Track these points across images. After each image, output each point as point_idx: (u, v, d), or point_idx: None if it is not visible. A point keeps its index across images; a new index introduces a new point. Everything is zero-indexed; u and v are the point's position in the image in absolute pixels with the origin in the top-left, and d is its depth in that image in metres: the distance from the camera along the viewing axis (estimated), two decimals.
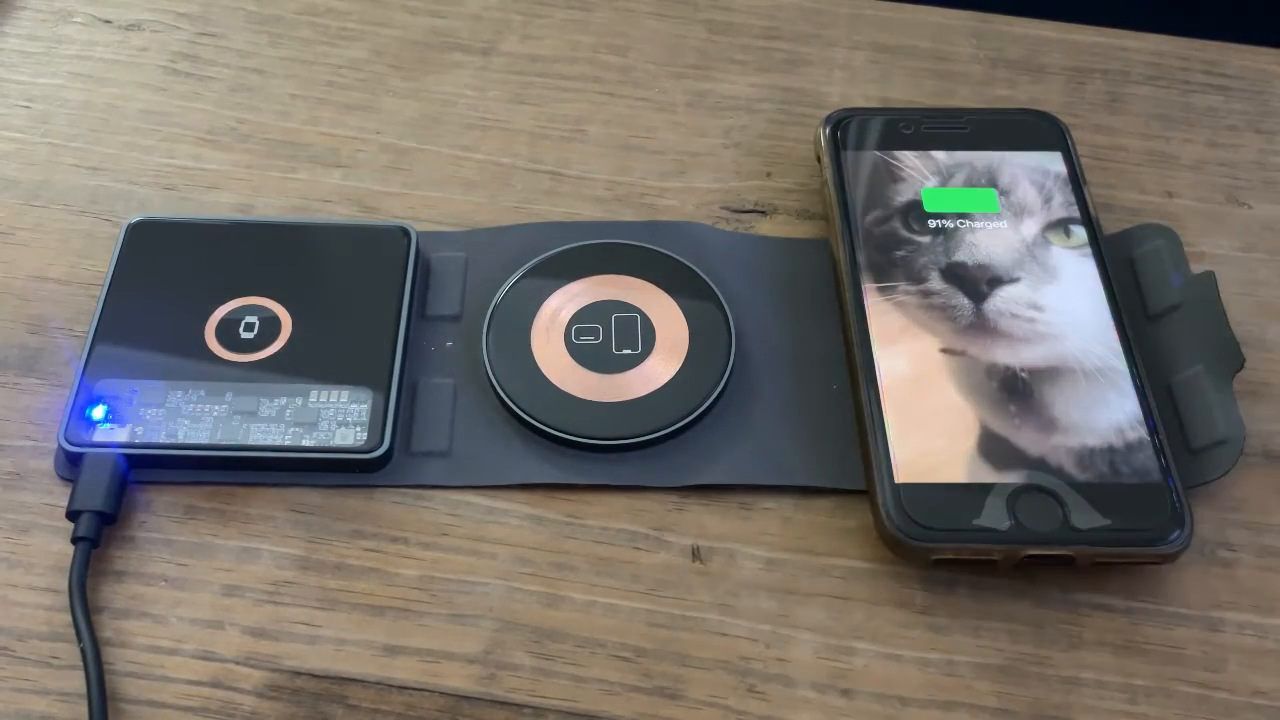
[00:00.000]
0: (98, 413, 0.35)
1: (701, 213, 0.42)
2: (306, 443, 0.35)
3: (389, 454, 0.36)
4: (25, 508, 0.35)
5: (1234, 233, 0.42)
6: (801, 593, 0.34)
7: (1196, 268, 0.39)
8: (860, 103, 0.46)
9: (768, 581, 0.34)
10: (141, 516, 0.35)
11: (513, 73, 0.46)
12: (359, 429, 0.36)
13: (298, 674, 0.32)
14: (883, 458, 0.35)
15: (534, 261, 0.40)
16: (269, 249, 0.40)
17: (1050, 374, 0.36)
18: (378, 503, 0.35)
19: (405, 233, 0.40)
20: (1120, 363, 0.36)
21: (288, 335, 0.37)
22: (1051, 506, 0.34)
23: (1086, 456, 0.35)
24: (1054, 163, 0.41)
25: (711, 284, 0.39)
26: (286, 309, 0.38)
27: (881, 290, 0.38)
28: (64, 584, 0.33)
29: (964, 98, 0.46)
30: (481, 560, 0.35)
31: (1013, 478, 0.34)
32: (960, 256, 0.39)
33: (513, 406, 0.36)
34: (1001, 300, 0.38)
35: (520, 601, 0.34)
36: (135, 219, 0.40)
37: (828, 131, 0.42)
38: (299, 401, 0.36)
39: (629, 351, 0.38)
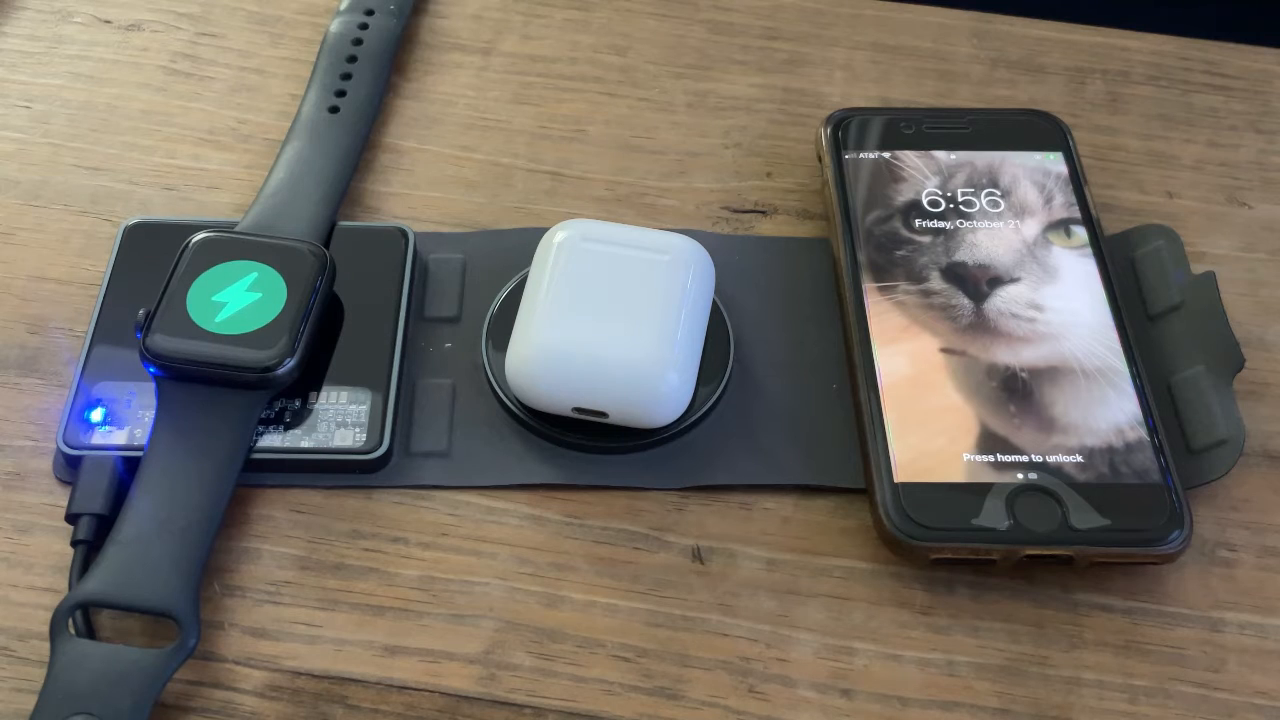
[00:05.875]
0: (96, 415, 0.35)
1: (702, 213, 0.42)
2: (305, 444, 0.35)
3: (388, 454, 0.36)
4: (25, 508, 0.35)
5: (1234, 233, 0.42)
6: (801, 593, 0.34)
7: (1197, 268, 0.39)
8: (860, 103, 0.46)
9: (768, 581, 0.34)
10: None
11: (513, 73, 0.46)
12: (358, 430, 0.36)
13: (298, 674, 0.32)
14: (882, 457, 0.35)
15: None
16: None
17: (1050, 374, 0.36)
18: (377, 503, 0.35)
19: (403, 234, 0.40)
20: (1120, 363, 0.36)
21: None
22: (1051, 506, 0.34)
23: (1086, 456, 0.35)
24: (1055, 163, 0.41)
25: None
26: None
27: (882, 290, 0.38)
28: (64, 584, 0.33)
29: (964, 98, 0.46)
30: (481, 560, 0.35)
31: (1012, 477, 0.34)
32: (961, 256, 0.39)
33: (512, 407, 0.36)
34: (1002, 300, 0.38)
35: (520, 601, 0.34)
36: (132, 221, 0.40)
37: (829, 131, 0.42)
38: (297, 403, 0.36)
39: None
